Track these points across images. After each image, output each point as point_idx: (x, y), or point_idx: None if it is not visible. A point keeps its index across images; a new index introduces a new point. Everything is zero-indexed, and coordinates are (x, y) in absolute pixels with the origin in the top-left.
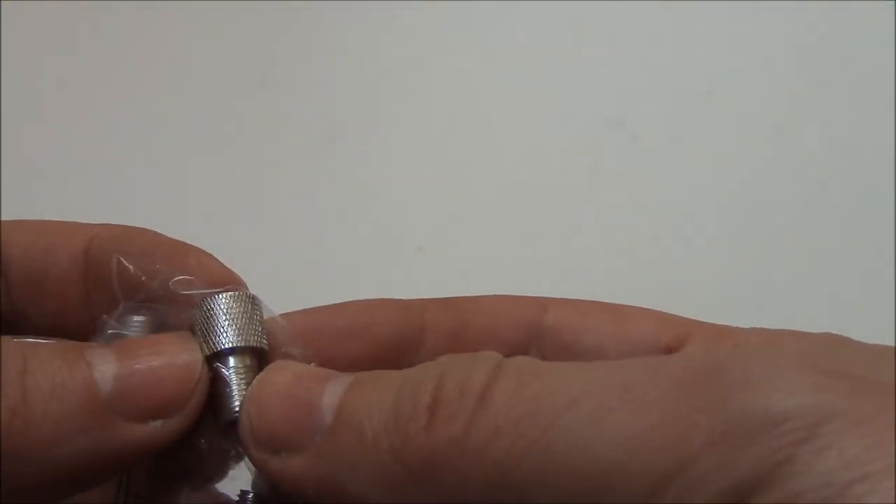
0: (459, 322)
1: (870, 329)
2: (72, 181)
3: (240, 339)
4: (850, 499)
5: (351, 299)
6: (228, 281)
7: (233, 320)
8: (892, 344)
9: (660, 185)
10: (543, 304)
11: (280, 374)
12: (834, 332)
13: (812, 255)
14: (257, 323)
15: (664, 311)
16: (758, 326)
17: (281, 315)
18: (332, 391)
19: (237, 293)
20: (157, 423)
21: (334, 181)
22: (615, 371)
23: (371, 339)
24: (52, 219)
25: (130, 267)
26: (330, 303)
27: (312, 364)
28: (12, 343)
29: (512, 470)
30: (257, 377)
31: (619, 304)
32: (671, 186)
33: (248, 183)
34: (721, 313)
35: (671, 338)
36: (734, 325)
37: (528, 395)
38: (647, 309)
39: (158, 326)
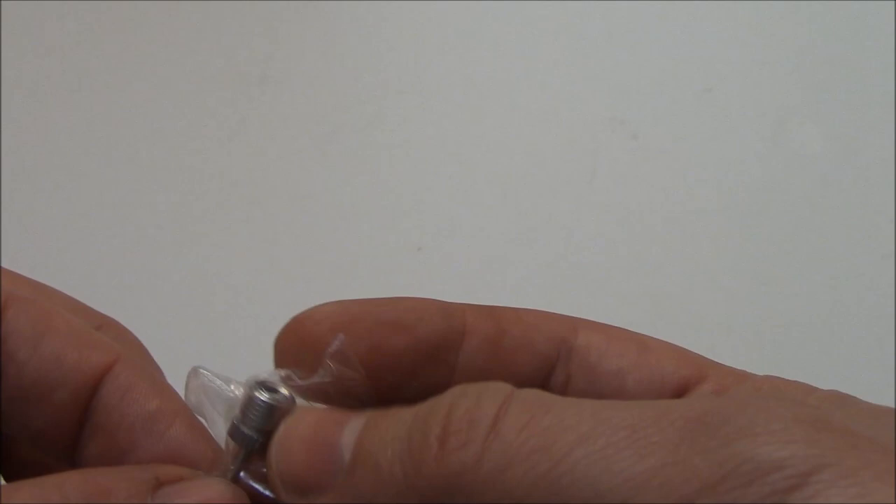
0: (497, 329)
1: (869, 327)
2: (69, 179)
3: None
4: None
5: (350, 300)
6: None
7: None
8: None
9: (660, 185)
10: (575, 324)
11: (302, 421)
12: (833, 331)
13: (812, 254)
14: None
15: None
16: (770, 372)
17: (336, 302)
18: (350, 431)
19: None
20: None
21: (334, 181)
22: (623, 412)
23: (419, 336)
24: (53, 220)
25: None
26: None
27: (330, 408)
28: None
29: (522, 499)
30: (281, 425)
31: (644, 336)
32: (671, 186)
33: (247, 182)
34: (720, 312)
35: (688, 375)
36: (749, 371)
37: (540, 427)
38: (670, 343)
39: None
